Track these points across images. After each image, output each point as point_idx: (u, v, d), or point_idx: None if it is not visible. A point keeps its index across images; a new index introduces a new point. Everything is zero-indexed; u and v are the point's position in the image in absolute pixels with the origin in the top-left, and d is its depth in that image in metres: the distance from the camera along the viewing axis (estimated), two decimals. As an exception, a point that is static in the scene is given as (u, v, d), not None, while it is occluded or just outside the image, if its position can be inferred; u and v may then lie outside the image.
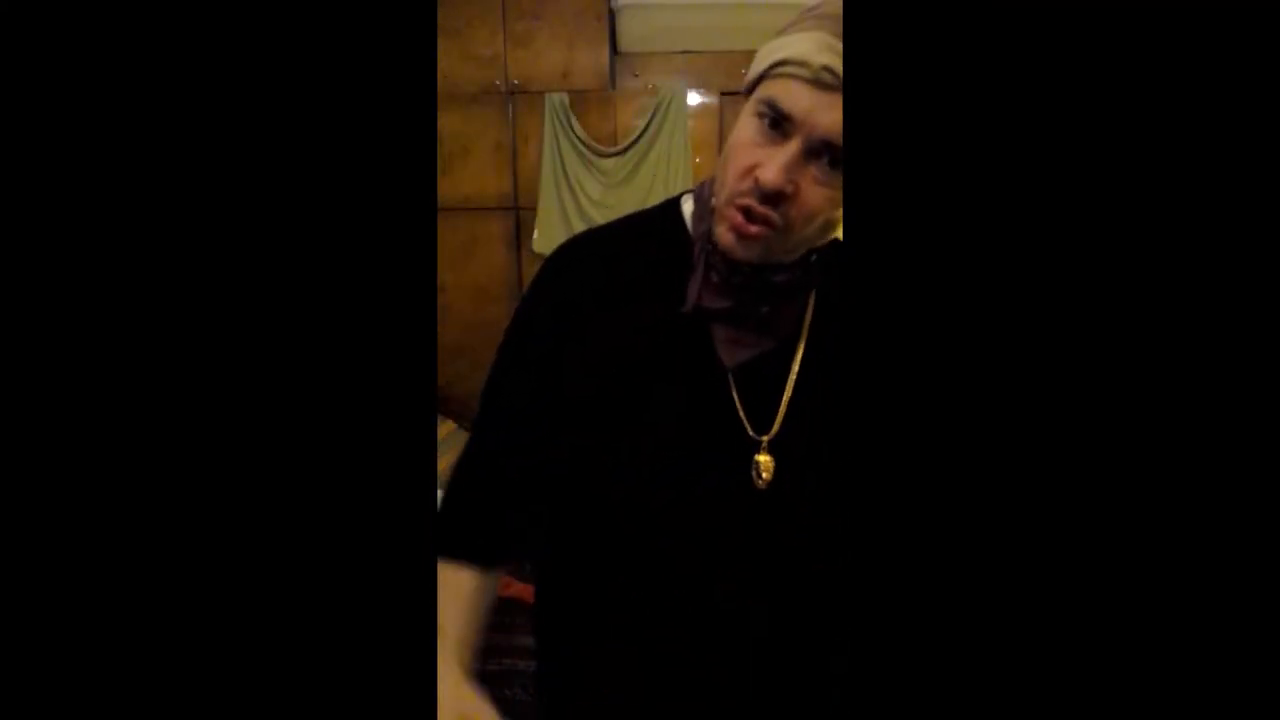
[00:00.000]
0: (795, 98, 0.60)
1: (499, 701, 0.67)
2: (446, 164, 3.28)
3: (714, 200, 0.67)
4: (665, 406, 0.69)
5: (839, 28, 0.57)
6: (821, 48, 0.58)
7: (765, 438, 0.69)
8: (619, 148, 3.22)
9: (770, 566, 0.68)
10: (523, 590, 2.74)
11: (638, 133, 3.21)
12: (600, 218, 2.99)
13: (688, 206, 0.76)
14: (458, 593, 0.71)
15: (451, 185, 3.30)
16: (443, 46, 3.19)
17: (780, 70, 0.61)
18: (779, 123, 0.61)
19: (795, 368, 0.70)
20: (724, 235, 0.65)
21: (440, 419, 3.16)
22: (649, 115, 3.19)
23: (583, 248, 0.78)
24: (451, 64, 3.22)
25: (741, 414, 0.69)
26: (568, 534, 0.72)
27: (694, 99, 3.22)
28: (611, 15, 3.25)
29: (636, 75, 3.28)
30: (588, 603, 0.72)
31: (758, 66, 0.64)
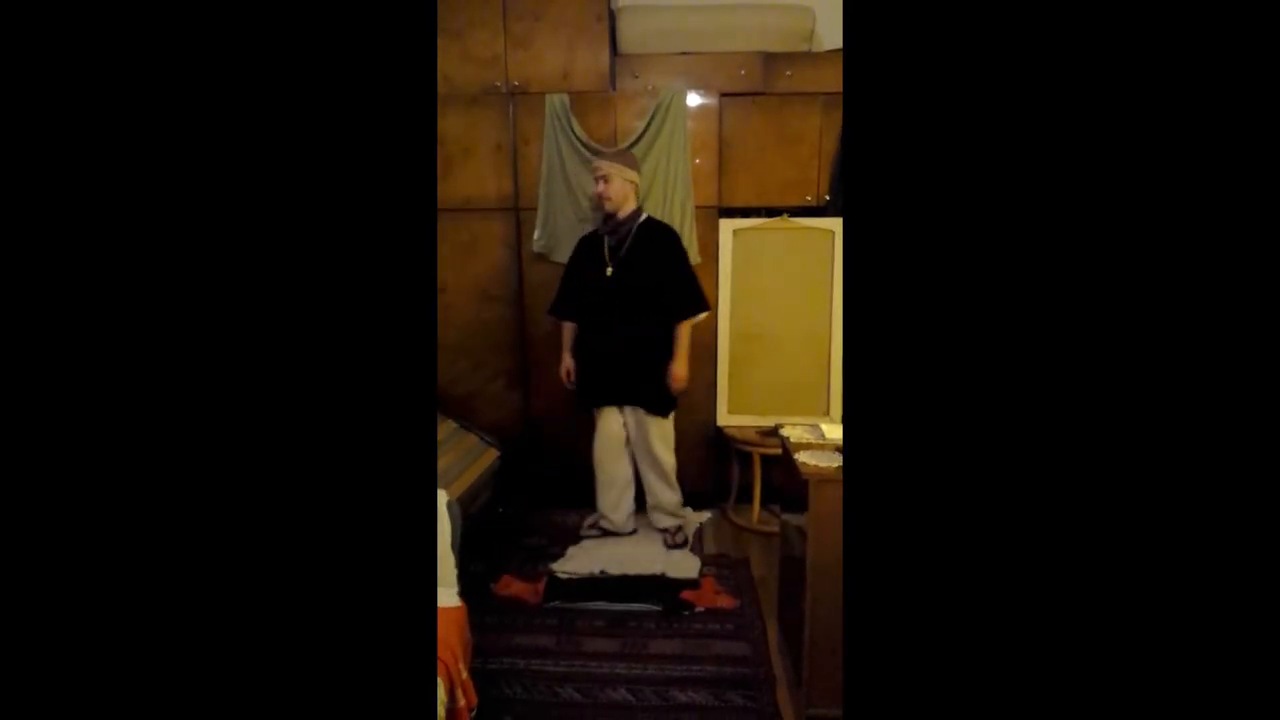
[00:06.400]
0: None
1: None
2: (447, 165, 3.29)
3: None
4: (596, 268, 3.10)
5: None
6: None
7: (609, 270, 3.00)
8: (619, 149, 3.22)
9: (625, 315, 3.06)
10: (522, 590, 2.75)
11: (637, 134, 3.21)
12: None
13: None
14: (568, 328, 3.19)
15: (452, 186, 3.31)
16: (443, 48, 3.20)
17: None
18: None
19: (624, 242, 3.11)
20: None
21: (440, 419, 3.16)
22: (649, 116, 3.19)
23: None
24: (452, 65, 3.23)
25: (610, 267, 3.05)
26: (582, 307, 3.15)
27: (694, 100, 3.22)
28: (612, 16, 3.26)
29: (636, 76, 3.28)
30: (586, 327, 3.20)
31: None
